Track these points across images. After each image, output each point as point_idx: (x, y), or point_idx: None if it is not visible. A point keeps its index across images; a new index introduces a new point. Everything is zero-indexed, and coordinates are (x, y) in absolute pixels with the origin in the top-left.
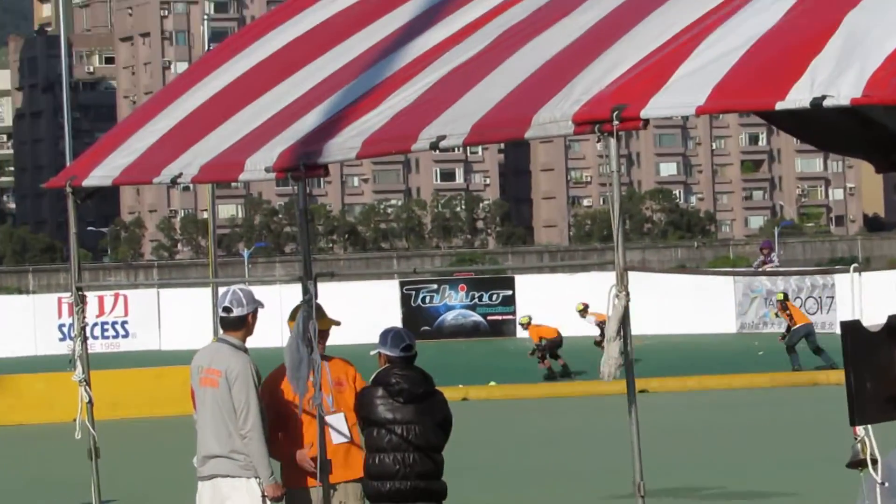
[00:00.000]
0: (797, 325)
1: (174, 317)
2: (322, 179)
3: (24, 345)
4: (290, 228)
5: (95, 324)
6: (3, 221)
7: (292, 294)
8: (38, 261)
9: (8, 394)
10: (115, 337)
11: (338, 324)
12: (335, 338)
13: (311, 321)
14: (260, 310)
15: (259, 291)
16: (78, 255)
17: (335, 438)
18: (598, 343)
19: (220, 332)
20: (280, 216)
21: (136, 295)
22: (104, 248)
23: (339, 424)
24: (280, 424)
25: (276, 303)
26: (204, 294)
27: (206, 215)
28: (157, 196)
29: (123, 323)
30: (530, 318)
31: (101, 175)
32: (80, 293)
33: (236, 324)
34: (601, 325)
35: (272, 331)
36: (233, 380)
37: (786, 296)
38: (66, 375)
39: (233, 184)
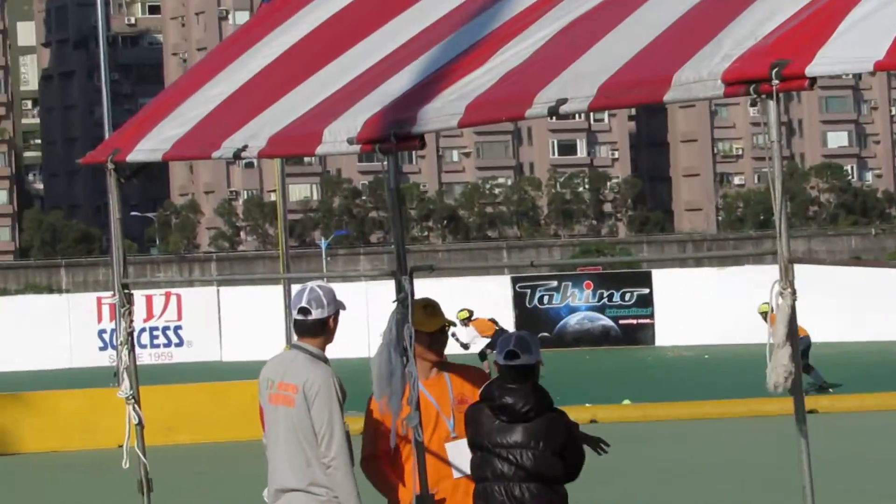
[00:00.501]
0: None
1: (237, 321)
2: (415, 153)
3: (58, 355)
4: (377, 213)
5: (143, 329)
6: (29, 205)
7: (381, 292)
8: (72, 253)
9: (39, 414)
10: (168, 345)
11: (452, 324)
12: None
13: (407, 325)
14: (342, 312)
15: (341, 290)
16: (122, 246)
17: (455, 471)
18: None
19: (295, 338)
20: (364, 198)
21: (191, 294)
22: (152, 237)
23: (461, 453)
24: (383, 454)
25: (362, 303)
26: (273, 293)
27: (274, 197)
28: (214, 174)
29: (177, 328)
30: (471, 313)
31: (148, 149)
32: (126, 292)
33: (315, 328)
34: (486, 337)
35: (356, 337)
36: (312, 396)
37: None
38: (111, 392)
39: (307, 159)
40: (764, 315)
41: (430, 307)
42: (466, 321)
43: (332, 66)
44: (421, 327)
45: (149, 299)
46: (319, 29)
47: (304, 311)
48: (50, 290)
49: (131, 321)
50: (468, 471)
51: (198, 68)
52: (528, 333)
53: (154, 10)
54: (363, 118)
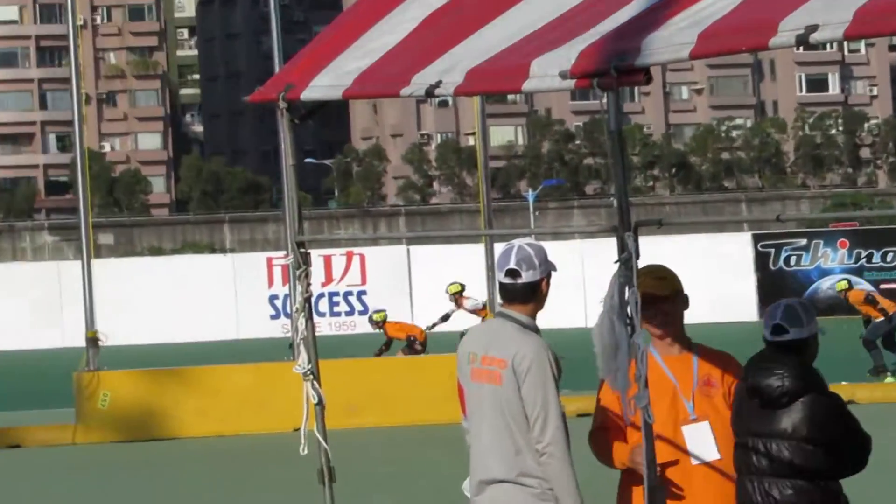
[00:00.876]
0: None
1: (431, 285)
2: (639, 90)
3: (222, 324)
4: (593, 160)
5: (321, 295)
6: (186, 151)
7: (599, 251)
8: (236, 206)
9: (201, 393)
10: (350, 313)
11: (678, 291)
12: None
13: (632, 290)
14: (553, 274)
15: (551, 249)
16: (297, 198)
17: (693, 458)
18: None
19: (499, 305)
20: (578, 142)
21: (376, 255)
22: (330, 188)
23: (701, 438)
24: (615, 427)
25: (577, 264)
26: (473, 253)
27: (472, 142)
28: (402, 115)
29: (360, 294)
30: (463, 287)
31: (326, 85)
32: (302, 251)
33: (525, 293)
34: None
35: (570, 304)
36: (523, 372)
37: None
38: (285, 367)
39: (511, 96)
40: (454, 296)
41: (660, 269)
42: (458, 295)
43: None
44: (651, 289)
45: (327, 260)
46: None
47: (513, 273)
48: (212, 250)
49: (308, 285)
50: (708, 457)
51: None
52: (800, 301)
53: None
54: (578, 49)
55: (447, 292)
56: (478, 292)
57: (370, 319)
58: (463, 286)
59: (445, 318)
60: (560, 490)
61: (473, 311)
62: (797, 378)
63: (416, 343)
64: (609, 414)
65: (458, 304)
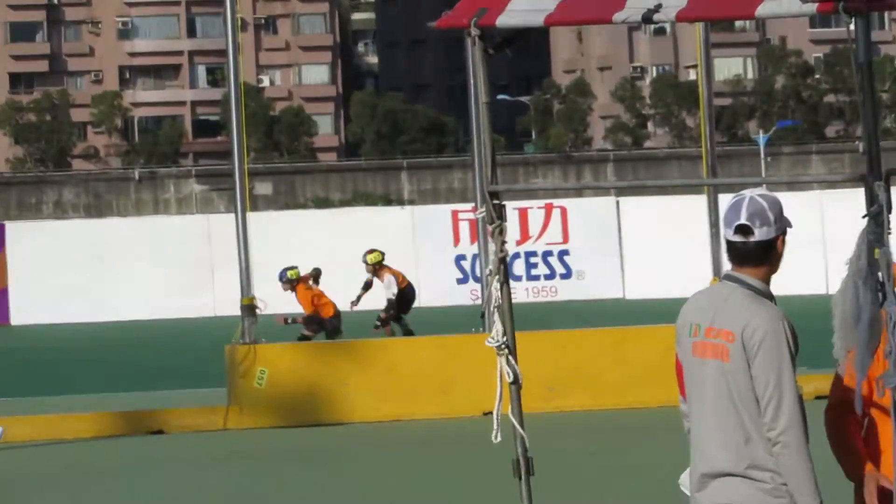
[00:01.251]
0: None
1: (644, 243)
2: (889, 15)
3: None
4: (836, 97)
5: (516, 255)
6: (358, 85)
7: (842, 204)
8: (417, 150)
9: (375, 370)
10: (550, 277)
11: None
12: None
13: (883, 249)
14: (789, 231)
15: (786, 201)
16: (490, 142)
17: None
18: (382, 322)
19: (727, 267)
20: (818, 77)
21: (581, 207)
22: (527, 129)
23: None
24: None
25: (815, 219)
26: (694, 206)
27: (694, 76)
28: (611, 44)
29: (562, 254)
30: (383, 255)
31: (525, 9)
32: (495, 203)
33: (757, 254)
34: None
35: (809, 267)
36: (754, 347)
37: None
38: (474, 339)
39: (740, 23)
40: (373, 266)
41: None
42: (379, 266)
43: None
44: None
45: (523, 214)
46: None
47: (744, 229)
48: (387, 202)
49: (503, 243)
50: None
51: None
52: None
53: None
54: None
55: (365, 262)
56: (700, 254)
57: (280, 278)
58: (383, 254)
59: (367, 286)
60: (795, 485)
61: (388, 289)
62: None
63: (323, 322)
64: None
65: (378, 276)
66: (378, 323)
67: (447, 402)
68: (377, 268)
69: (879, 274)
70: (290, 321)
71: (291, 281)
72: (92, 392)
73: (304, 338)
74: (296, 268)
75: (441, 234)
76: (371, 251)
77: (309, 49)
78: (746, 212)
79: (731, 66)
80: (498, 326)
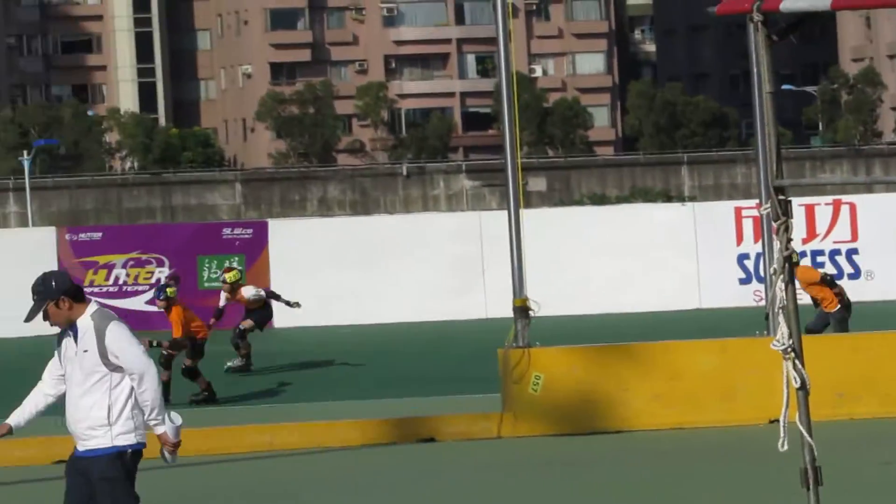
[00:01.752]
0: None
1: None
2: None
3: (681, 289)
4: None
5: (803, 253)
6: (636, 75)
7: None
8: (697, 144)
9: (655, 375)
10: (838, 277)
11: None
12: None
13: None
14: None
15: None
16: (775, 134)
17: None
18: (240, 337)
19: None
20: None
21: (870, 204)
22: (813, 121)
23: None
24: None
25: None
26: None
27: None
28: None
29: (850, 253)
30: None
31: None
32: (781, 199)
33: None
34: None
35: None
36: None
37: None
38: (758, 343)
39: None
40: (230, 287)
41: None
42: (237, 284)
43: None
44: None
45: (810, 210)
46: None
47: None
48: (667, 198)
49: (789, 241)
50: None
51: None
52: None
53: None
54: None
55: (223, 280)
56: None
57: (158, 297)
58: (241, 272)
59: (219, 314)
60: None
61: (256, 300)
62: None
63: (196, 344)
64: None
65: (234, 295)
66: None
67: (731, 409)
68: (235, 286)
69: None
70: (154, 344)
71: (169, 300)
72: (358, 399)
73: (168, 357)
74: (174, 286)
75: (723, 232)
76: (229, 269)
77: (583, 36)
78: None
79: None
80: (783, 329)
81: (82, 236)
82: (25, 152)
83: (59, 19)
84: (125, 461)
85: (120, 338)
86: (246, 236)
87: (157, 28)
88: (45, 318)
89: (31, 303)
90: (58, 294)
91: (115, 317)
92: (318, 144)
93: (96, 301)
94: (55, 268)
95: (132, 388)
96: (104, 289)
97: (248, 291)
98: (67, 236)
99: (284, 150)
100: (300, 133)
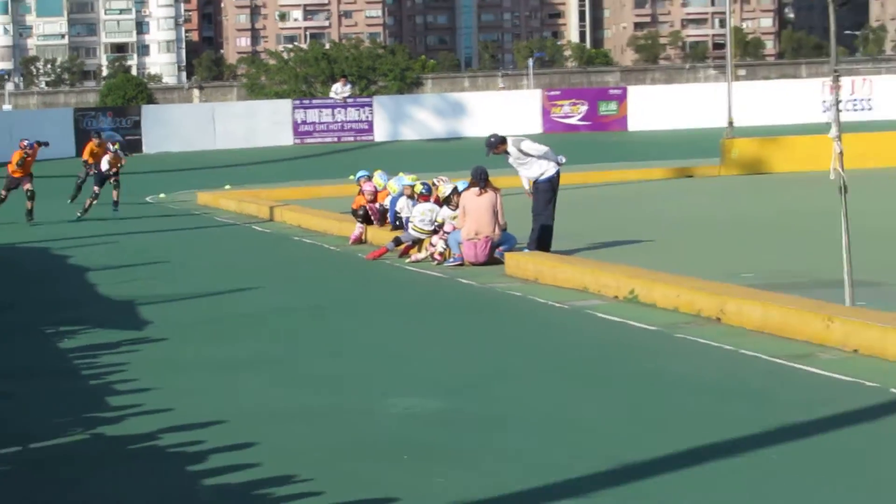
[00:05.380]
0: None
1: None
2: None
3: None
4: None
5: (850, 100)
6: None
7: None
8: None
9: (782, 149)
10: (862, 110)
11: None
12: None
13: None
14: None
15: None
16: (836, 50)
17: None
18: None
19: None
20: None
21: (879, 81)
22: (856, 46)
23: None
24: None
25: None
26: None
27: None
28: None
29: (866, 100)
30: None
31: None
32: (837, 75)
33: None
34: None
35: None
36: None
37: None
38: (827, 139)
39: None
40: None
41: None
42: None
43: None
44: None
45: (852, 82)
46: None
47: None
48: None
49: (839, 93)
50: None
51: None
52: None
53: None
54: None
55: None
56: None
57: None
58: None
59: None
60: None
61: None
62: None
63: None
64: None
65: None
66: None
67: (818, 164)
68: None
69: None
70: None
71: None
72: None
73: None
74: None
75: (817, 92)
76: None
77: None
78: None
79: None
80: (833, 128)
81: None
82: None
83: None
84: None
85: None
86: None
87: None
88: None
89: None
90: None
91: None
92: None
93: None
94: None
95: None
96: None
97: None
98: None
99: None
100: None
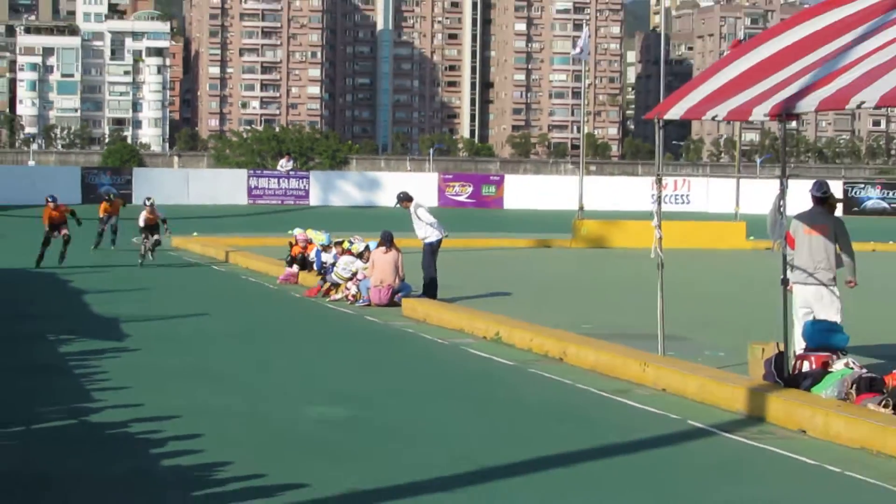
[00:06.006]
0: None
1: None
2: None
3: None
4: None
5: (672, 195)
6: (626, 134)
7: None
8: (645, 157)
9: (620, 230)
10: (681, 203)
11: None
12: None
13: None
14: None
15: None
16: (661, 159)
17: None
18: None
19: None
20: None
21: (695, 181)
22: (681, 153)
23: None
24: None
25: None
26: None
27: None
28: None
29: (685, 196)
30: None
31: (675, 111)
32: (659, 177)
33: None
34: None
35: None
36: None
37: None
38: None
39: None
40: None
41: None
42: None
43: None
44: None
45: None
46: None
47: None
48: None
49: (662, 193)
50: None
51: (714, 65)
52: None
53: (690, 48)
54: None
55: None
56: None
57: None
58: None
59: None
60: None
61: None
62: None
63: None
64: None
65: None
66: None
67: None
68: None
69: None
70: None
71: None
72: None
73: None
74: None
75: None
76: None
77: None
78: None
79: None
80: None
81: None
82: None
83: None
84: None
85: None
86: None
87: None
88: None
89: None
90: None
91: None
92: None
93: None
94: None
95: None
96: None
97: None
98: None
99: None
100: None
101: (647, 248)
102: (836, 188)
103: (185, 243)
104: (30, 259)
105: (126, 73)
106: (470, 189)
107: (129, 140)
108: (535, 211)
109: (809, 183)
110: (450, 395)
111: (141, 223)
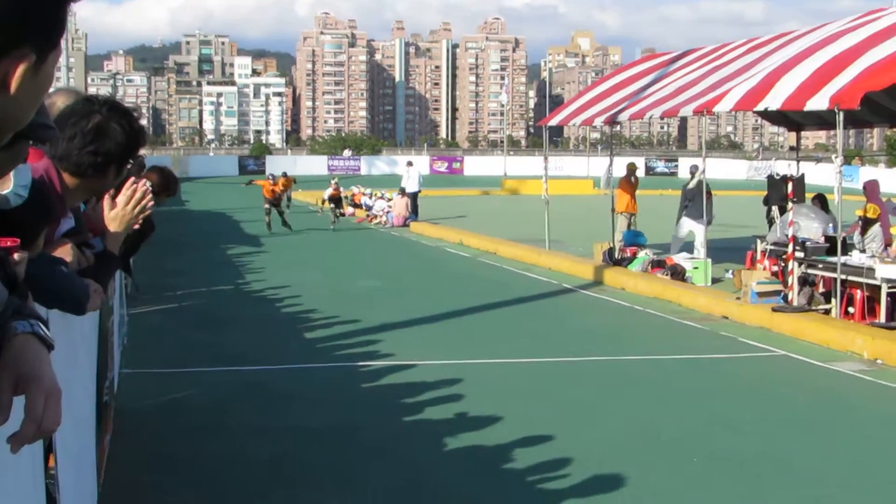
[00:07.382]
0: None
1: None
2: None
3: None
4: None
5: None
6: None
7: None
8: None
9: None
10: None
11: None
12: None
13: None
14: None
15: None
16: (547, 145)
17: None
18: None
19: None
20: None
21: (564, 160)
22: (559, 144)
23: None
24: None
25: None
26: None
27: None
28: (576, 129)
29: None
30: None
31: (554, 120)
32: (545, 157)
33: None
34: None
35: None
36: None
37: None
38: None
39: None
40: None
41: None
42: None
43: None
44: None
45: None
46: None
47: None
48: None
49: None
50: None
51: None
52: None
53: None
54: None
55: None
56: None
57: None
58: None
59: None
60: None
61: None
62: None
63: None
64: None
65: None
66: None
67: None
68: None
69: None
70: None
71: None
72: None
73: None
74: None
75: None
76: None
77: None
78: None
79: None
80: None
81: None
82: None
83: None
84: None
85: None
86: None
87: None
88: None
89: None
90: None
91: None
92: None
93: None
94: None
95: None
96: None
97: None
98: None
99: None
100: None
101: (540, 194)
102: (641, 164)
103: (296, 195)
104: (221, 204)
105: (261, 105)
106: (446, 165)
107: (263, 141)
108: (481, 176)
109: (628, 159)
110: (433, 270)
111: (326, 196)
